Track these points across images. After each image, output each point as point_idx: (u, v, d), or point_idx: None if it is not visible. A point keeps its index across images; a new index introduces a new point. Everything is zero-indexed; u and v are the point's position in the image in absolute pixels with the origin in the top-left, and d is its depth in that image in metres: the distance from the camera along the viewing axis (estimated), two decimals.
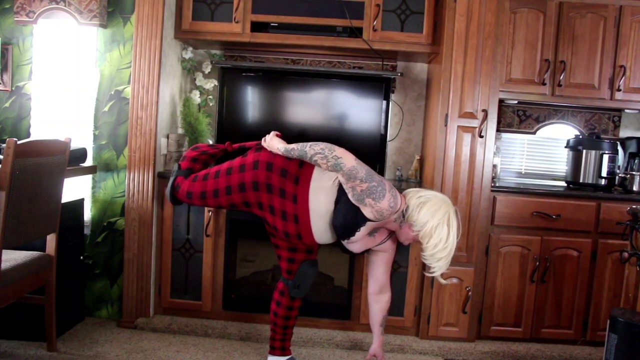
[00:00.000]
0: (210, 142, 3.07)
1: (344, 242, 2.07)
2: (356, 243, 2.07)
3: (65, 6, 2.72)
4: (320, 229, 2.04)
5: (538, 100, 2.91)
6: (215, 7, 2.81)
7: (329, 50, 3.05)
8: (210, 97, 3.12)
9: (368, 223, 1.96)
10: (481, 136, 2.66)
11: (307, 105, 3.01)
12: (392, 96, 3.12)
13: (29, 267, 2.15)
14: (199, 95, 3.09)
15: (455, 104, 2.64)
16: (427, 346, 2.68)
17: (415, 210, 1.92)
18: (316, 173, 2.02)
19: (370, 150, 2.89)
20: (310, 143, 1.95)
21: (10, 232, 1.96)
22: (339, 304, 2.83)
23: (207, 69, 3.11)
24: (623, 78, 2.83)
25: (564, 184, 3.12)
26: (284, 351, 2.37)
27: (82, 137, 2.88)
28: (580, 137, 3.06)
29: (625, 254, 2.06)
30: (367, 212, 1.92)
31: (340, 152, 1.91)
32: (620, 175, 2.96)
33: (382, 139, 2.91)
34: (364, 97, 2.94)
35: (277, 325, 2.34)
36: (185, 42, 3.00)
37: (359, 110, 2.95)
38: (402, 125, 3.20)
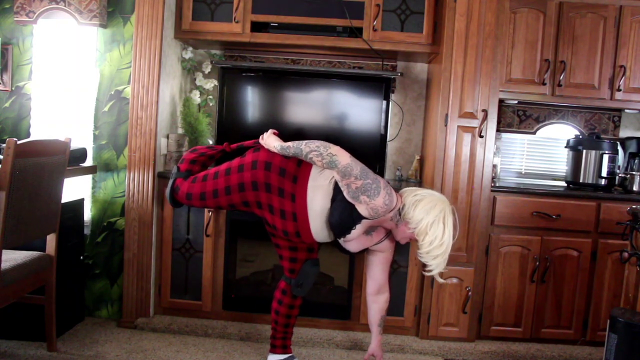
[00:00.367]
0: (210, 143, 3.08)
1: (341, 241, 2.08)
2: (353, 242, 2.07)
3: (65, 6, 2.72)
4: (318, 227, 2.05)
5: (538, 100, 2.91)
6: (215, 7, 2.81)
7: (329, 50, 3.05)
8: (210, 97, 3.12)
9: (364, 221, 1.97)
10: (481, 136, 2.66)
11: (307, 105, 3.01)
12: (392, 96, 3.12)
13: (29, 267, 2.15)
14: (199, 95, 3.09)
15: (455, 104, 2.64)
16: (427, 346, 2.68)
17: (410, 208, 1.93)
18: (314, 172, 2.02)
19: (370, 150, 2.89)
20: (305, 141, 1.96)
21: (10, 232, 1.96)
22: (339, 304, 2.83)
23: (207, 69, 3.11)
24: (623, 78, 2.83)
25: (564, 184, 3.12)
26: (285, 349, 2.39)
27: (82, 137, 2.88)
28: (580, 137, 3.06)
29: (625, 254, 2.06)
30: (362, 209, 1.93)
31: (335, 149, 1.93)
32: (620, 175, 2.96)
33: (382, 139, 2.91)
34: (364, 97, 2.94)
35: (278, 324, 2.35)
36: (185, 42, 3.00)
37: (359, 110, 2.95)
38: (402, 125, 3.20)
